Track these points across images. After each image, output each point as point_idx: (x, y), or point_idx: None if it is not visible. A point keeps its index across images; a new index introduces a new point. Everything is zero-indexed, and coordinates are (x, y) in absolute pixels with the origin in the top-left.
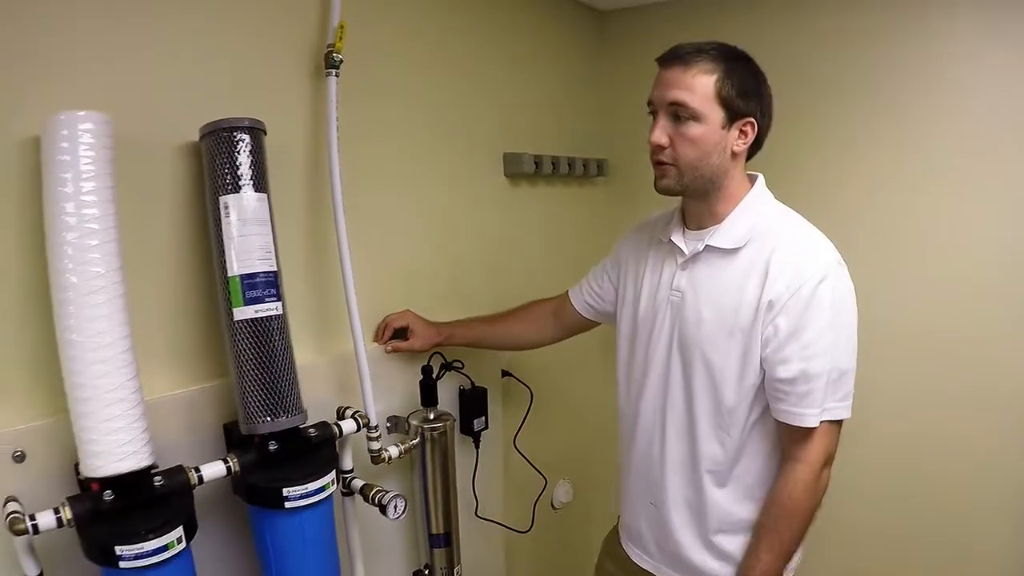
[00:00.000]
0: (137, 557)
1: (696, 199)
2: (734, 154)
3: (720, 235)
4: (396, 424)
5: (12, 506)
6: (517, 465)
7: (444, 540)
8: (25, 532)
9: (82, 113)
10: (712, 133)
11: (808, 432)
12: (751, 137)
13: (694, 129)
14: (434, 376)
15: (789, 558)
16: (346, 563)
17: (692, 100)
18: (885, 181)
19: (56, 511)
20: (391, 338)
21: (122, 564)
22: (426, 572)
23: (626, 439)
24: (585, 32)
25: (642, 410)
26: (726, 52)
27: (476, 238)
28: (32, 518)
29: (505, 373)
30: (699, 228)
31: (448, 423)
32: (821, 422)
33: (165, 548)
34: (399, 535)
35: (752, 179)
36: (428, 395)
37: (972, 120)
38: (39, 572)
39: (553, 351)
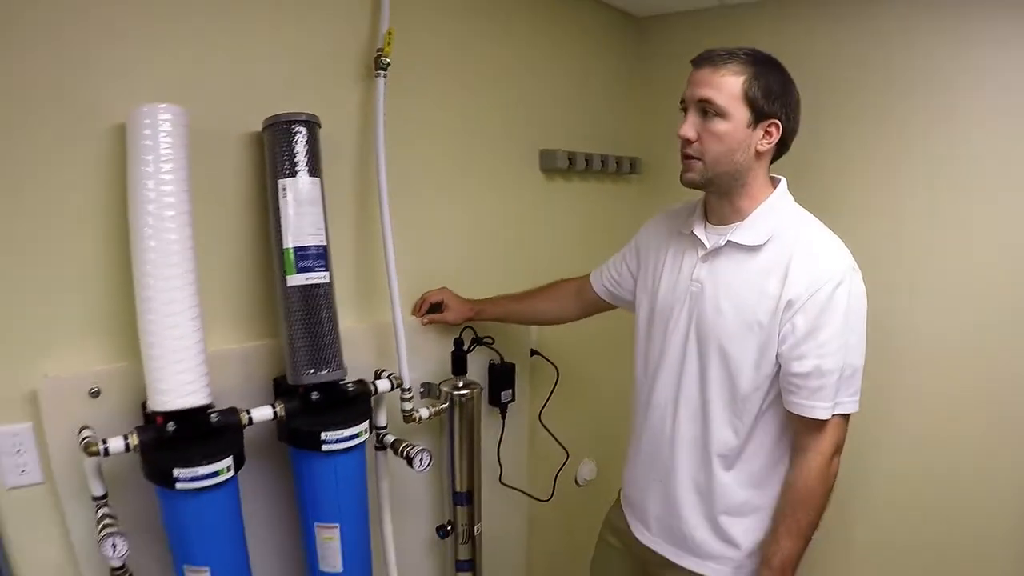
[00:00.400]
0: (192, 480)
1: (719, 195)
2: (758, 153)
3: (742, 232)
4: (428, 390)
5: (86, 433)
6: (542, 439)
7: (466, 499)
8: (97, 454)
9: (163, 106)
10: (737, 131)
11: (820, 424)
12: (775, 138)
13: (720, 125)
14: (465, 348)
15: (807, 542)
16: (376, 513)
17: (719, 98)
18: (915, 185)
19: (125, 438)
20: (427, 312)
21: (178, 485)
22: (448, 527)
23: (639, 417)
24: (621, 37)
25: (656, 391)
26: (756, 57)
27: (511, 226)
28: (104, 442)
29: (533, 352)
30: (721, 223)
31: (476, 391)
32: (832, 415)
33: (216, 474)
34: (426, 492)
35: (775, 182)
36: (459, 365)
37: (1009, 123)
38: (104, 493)
39: (581, 334)
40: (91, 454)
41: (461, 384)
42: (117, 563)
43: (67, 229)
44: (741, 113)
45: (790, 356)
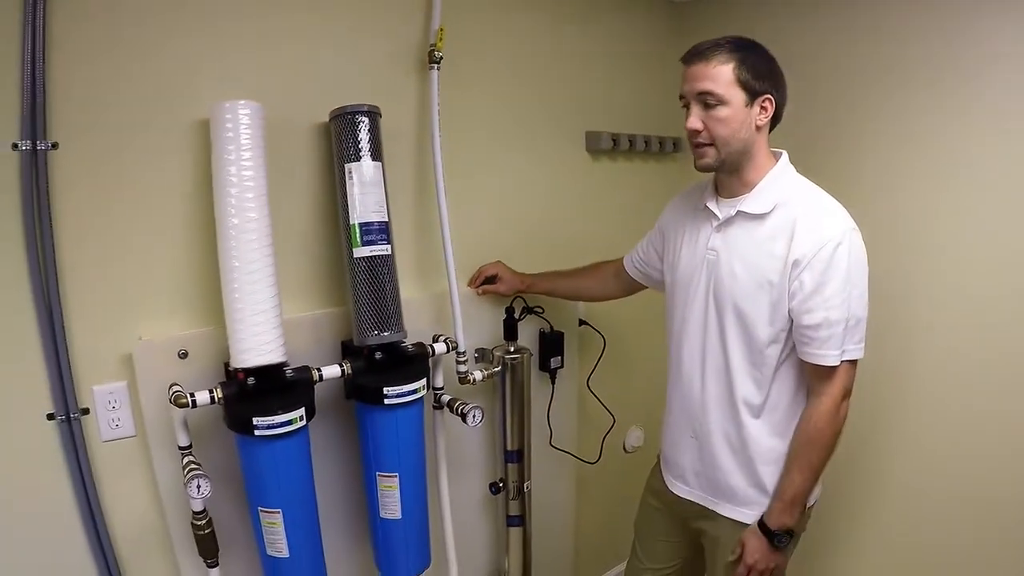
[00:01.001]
0: (268, 427)
1: (730, 172)
2: (758, 127)
3: (750, 202)
4: (482, 355)
5: (175, 388)
6: (590, 405)
7: (517, 456)
8: (186, 405)
9: (242, 102)
10: (737, 112)
11: (830, 370)
12: (771, 111)
13: (722, 111)
14: (516, 316)
15: (817, 479)
16: (433, 469)
17: (716, 87)
18: (948, 178)
19: (210, 391)
20: (482, 283)
21: (256, 432)
22: (500, 484)
23: (671, 380)
24: (661, 21)
25: (683, 354)
26: (738, 43)
27: (558, 205)
28: (192, 395)
29: (582, 322)
30: (731, 196)
31: (526, 355)
32: (841, 361)
33: (290, 422)
34: (479, 451)
35: (777, 155)
36: (510, 331)
37: None
38: (189, 443)
39: (627, 306)
40: (180, 406)
41: (512, 349)
42: (199, 505)
43: (161, 210)
44: (738, 96)
45: (800, 310)
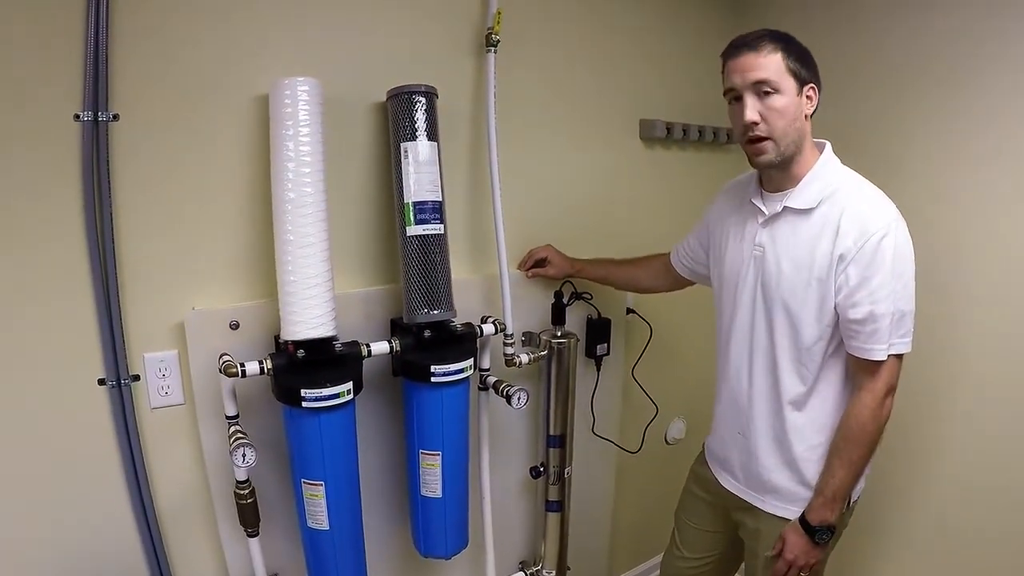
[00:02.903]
0: (316, 399)
1: (779, 168)
2: (806, 117)
3: (796, 197)
4: (529, 339)
5: (226, 358)
6: (634, 394)
7: (559, 441)
8: (236, 375)
9: (301, 79)
10: (791, 102)
11: (876, 365)
12: (816, 100)
13: (779, 101)
14: (564, 301)
15: (860, 475)
16: (476, 449)
17: (772, 76)
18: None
19: (260, 362)
20: (532, 267)
21: (304, 404)
22: (541, 469)
23: (720, 377)
24: (719, 10)
25: (731, 350)
26: (778, 34)
27: (611, 192)
28: (242, 365)
29: (629, 311)
30: (777, 191)
31: (572, 340)
32: (888, 356)
33: (337, 395)
34: (522, 434)
35: (820, 146)
36: (558, 315)
37: None
38: (236, 413)
39: (676, 297)
40: (230, 375)
41: (559, 333)
42: (243, 474)
43: (218, 183)
44: (790, 85)
45: (846, 305)
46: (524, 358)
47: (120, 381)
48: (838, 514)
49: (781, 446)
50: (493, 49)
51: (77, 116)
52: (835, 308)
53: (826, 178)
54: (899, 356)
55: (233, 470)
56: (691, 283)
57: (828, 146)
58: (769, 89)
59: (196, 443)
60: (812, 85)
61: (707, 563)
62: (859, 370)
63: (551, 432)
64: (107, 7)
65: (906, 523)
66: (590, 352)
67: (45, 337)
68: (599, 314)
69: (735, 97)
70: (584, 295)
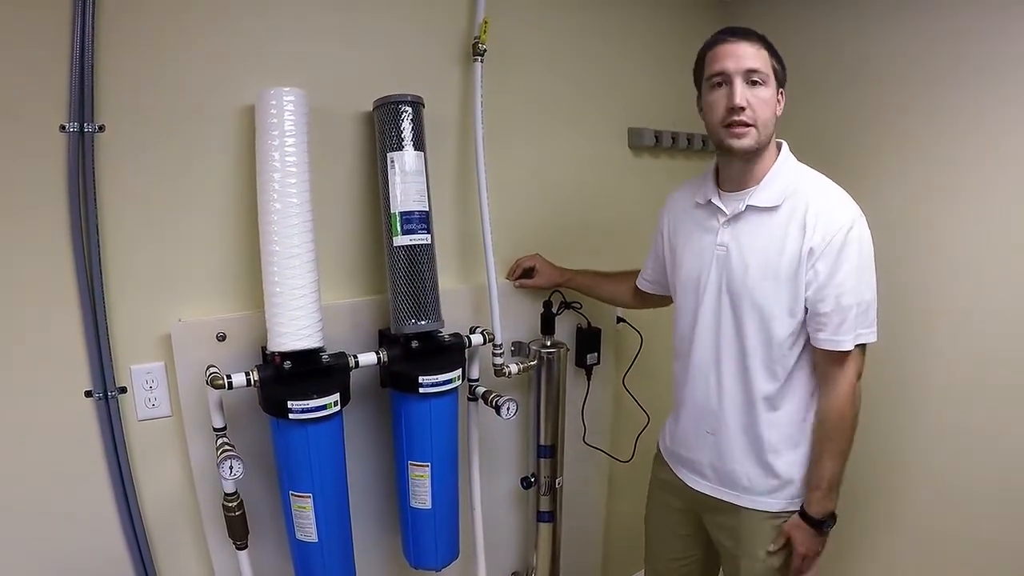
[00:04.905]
0: (303, 411)
1: (745, 161)
2: (777, 118)
3: (759, 195)
4: (519, 349)
5: (212, 370)
6: (625, 404)
7: (549, 452)
8: (222, 387)
9: (286, 89)
10: (773, 97)
11: (845, 355)
12: (783, 103)
13: (765, 92)
14: (554, 311)
15: (846, 461)
16: (465, 460)
17: (763, 67)
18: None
19: (247, 374)
20: (519, 276)
21: (291, 416)
22: (532, 479)
23: (680, 380)
24: (707, 18)
25: (695, 352)
26: (763, 36)
27: (600, 200)
28: (228, 377)
29: (620, 319)
30: (738, 190)
31: (562, 350)
32: (855, 345)
33: (324, 407)
34: (512, 445)
35: (778, 146)
36: (547, 325)
37: None
38: (224, 425)
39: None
40: (216, 387)
41: (549, 343)
42: (231, 487)
43: (204, 194)
44: (773, 81)
45: (815, 298)
46: (513, 368)
47: (107, 393)
48: (836, 501)
49: (754, 444)
50: (480, 58)
51: (63, 127)
52: (805, 303)
53: (787, 176)
54: (863, 345)
55: (221, 482)
56: (662, 303)
57: (785, 145)
58: (758, 79)
59: (184, 455)
60: (782, 90)
61: (688, 563)
62: (828, 363)
63: (542, 442)
64: (92, 17)
65: (878, 520)
66: (580, 361)
67: (31, 349)
68: (589, 323)
69: (721, 82)
70: (574, 304)
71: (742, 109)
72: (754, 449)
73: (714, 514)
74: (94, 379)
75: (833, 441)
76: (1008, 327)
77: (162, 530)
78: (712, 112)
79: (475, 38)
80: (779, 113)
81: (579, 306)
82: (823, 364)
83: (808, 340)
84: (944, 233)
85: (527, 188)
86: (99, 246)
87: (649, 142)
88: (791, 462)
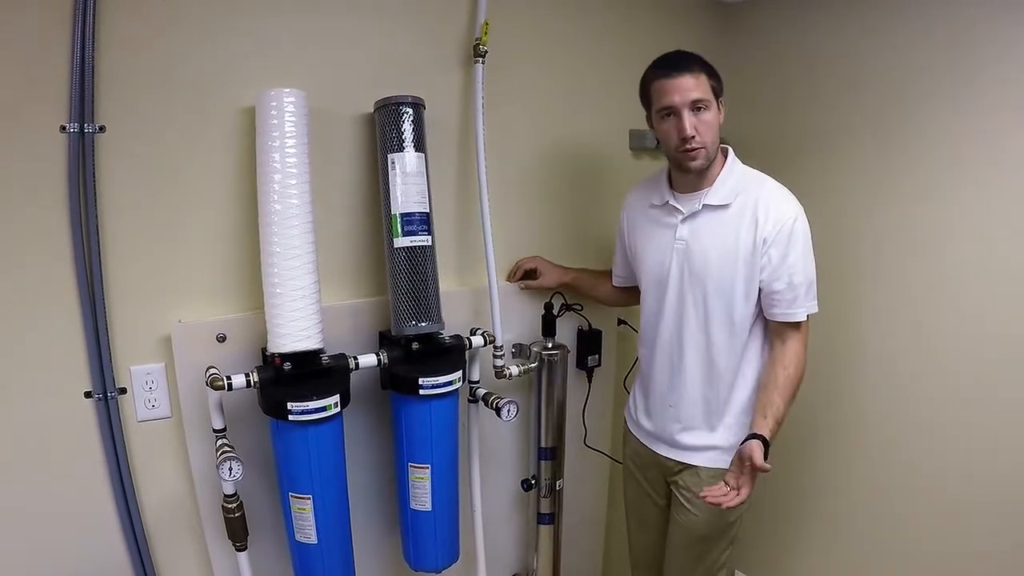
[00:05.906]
0: (303, 412)
1: (703, 171)
2: (721, 126)
3: (713, 195)
4: (520, 351)
5: (212, 371)
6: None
7: (551, 454)
8: (222, 388)
9: (287, 90)
10: (715, 115)
11: (796, 325)
12: (723, 112)
13: (708, 115)
14: (554, 312)
15: (788, 408)
16: (465, 462)
17: (705, 94)
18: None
19: (247, 375)
20: (521, 278)
21: (291, 417)
22: (532, 481)
23: (647, 361)
24: (709, 23)
25: (660, 336)
26: (699, 57)
27: (601, 202)
28: (228, 378)
29: (621, 321)
30: (692, 191)
31: (563, 352)
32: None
33: (324, 409)
34: (513, 447)
35: (724, 150)
36: (548, 327)
37: None
38: (223, 427)
39: None
40: (216, 388)
41: (550, 345)
42: (231, 488)
43: (205, 195)
44: (713, 101)
45: (770, 279)
46: (514, 370)
47: (107, 394)
48: (774, 437)
49: (716, 412)
50: (481, 60)
51: (63, 128)
52: (759, 284)
53: (736, 177)
54: (808, 317)
55: (220, 484)
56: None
57: (731, 150)
58: (701, 106)
59: (183, 456)
60: (722, 99)
61: (663, 535)
62: (784, 331)
63: (542, 444)
64: (93, 17)
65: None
66: (581, 363)
67: (31, 349)
68: (590, 325)
69: (670, 113)
70: (575, 306)
71: (692, 138)
72: (716, 418)
73: (677, 476)
74: (94, 380)
75: (785, 386)
76: (1009, 327)
77: (161, 531)
78: (667, 140)
79: (476, 40)
80: (721, 122)
81: (580, 308)
82: (780, 332)
83: (760, 319)
84: (944, 233)
85: (528, 190)
86: (99, 247)
87: (650, 144)
88: (744, 424)
